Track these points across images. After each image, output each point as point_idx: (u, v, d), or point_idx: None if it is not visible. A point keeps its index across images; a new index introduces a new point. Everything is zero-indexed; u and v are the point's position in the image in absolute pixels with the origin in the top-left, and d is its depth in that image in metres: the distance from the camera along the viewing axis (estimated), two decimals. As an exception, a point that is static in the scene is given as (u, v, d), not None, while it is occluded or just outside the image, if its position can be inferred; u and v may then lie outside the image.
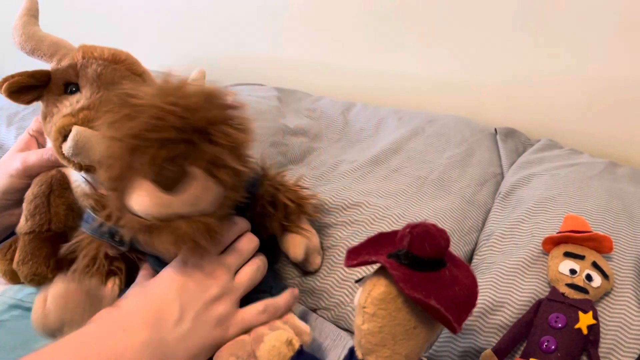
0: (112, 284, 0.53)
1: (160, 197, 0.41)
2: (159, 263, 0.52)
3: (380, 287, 0.35)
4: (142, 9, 1.57)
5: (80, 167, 0.53)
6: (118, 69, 0.56)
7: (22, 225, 0.59)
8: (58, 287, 0.46)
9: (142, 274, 0.53)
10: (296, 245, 0.59)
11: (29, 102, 0.58)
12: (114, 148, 0.41)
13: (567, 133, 1.04)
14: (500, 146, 0.95)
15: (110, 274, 0.53)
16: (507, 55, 1.07)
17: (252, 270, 0.52)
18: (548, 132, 1.05)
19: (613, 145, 1.01)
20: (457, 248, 0.68)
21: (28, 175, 0.61)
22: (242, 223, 0.54)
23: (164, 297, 0.46)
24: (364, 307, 0.35)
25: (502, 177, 0.87)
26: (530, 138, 1.03)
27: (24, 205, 0.60)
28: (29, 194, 0.60)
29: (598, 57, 0.97)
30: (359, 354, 0.36)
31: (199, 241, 0.44)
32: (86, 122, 0.52)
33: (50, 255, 0.58)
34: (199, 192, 0.43)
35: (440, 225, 0.67)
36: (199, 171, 0.42)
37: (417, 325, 0.35)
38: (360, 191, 0.72)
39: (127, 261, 0.54)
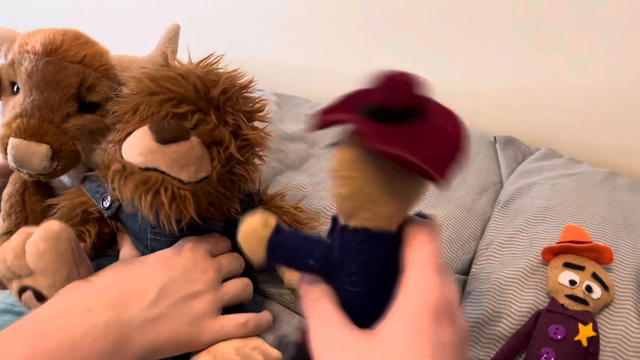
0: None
1: (149, 143, 0.42)
2: (138, 241, 0.51)
3: (350, 148, 0.32)
4: (141, 11, 1.57)
5: (30, 176, 0.52)
6: (51, 62, 0.50)
7: (0, 225, 0.58)
8: (51, 227, 0.42)
9: (124, 250, 0.52)
10: (293, 272, 0.55)
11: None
12: (133, 85, 0.46)
13: (565, 142, 1.04)
14: (499, 154, 0.94)
15: (78, 233, 0.51)
16: (505, 62, 1.06)
17: (241, 284, 0.50)
18: (547, 141, 1.05)
19: (612, 155, 1.01)
20: (456, 257, 0.67)
21: (1, 173, 0.59)
22: (225, 241, 0.52)
23: (144, 278, 0.44)
24: (337, 171, 0.33)
25: (502, 186, 0.86)
26: (529, 146, 1.03)
27: (1, 204, 0.58)
28: (4, 194, 0.58)
29: (597, 66, 0.97)
30: (341, 219, 0.34)
31: (160, 197, 0.43)
32: (21, 132, 0.49)
33: None
34: (186, 153, 0.43)
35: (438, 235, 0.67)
36: (196, 139, 0.44)
37: (394, 183, 0.32)
38: (358, 199, 0.71)
39: (100, 232, 0.53)
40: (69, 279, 0.43)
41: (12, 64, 0.52)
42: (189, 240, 0.49)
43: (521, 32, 1.02)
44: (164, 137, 0.42)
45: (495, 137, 1.01)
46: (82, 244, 0.50)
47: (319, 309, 0.34)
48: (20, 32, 0.55)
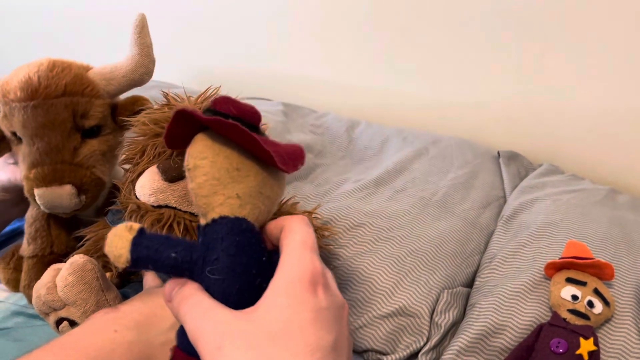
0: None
1: (158, 183, 0.45)
2: None
3: (196, 142, 0.35)
4: (150, 16, 1.58)
5: (68, 215, 0.54)
6: (37, 105, 0.49)
7: (25, 248, 0.59)
8: (76, 261, 0.46)
9: (147, 278, 0.53)
10: None
11: (10, 151, 0.57)
12: (140, 129, 0.48)
13: (568, 158, 1.06)
14: (502, 169, 0.96)
15: (104, 263, 0.54)
16: (511, 78, 1.08)
17: None
18: (549, 157, 1.07)
19: (613, 173, 1.02)
20: (460, 270, 0.69)
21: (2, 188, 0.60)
22: None
23: (163, 304, 0.46)
24: (188, 167, 0.35)
25: (505, 201, 0.87)
26: (532, 162, 1.04)
27: (25, 227, 0.60)
28: (28, 216, 0.59)
29: (600, 84, 0.98)
30: (202, 221, 0.36)
31: (174, 231, 0.46)
32: (40, 181, 0.50)
33: None
34: None
35: (443, 248, 0.68)
36: None
37: (239, 167, 0.35)
38: (365, 212, 0.72)
39: None
40: (98, 306, 0.46)
41: (5, 116, 0.52)
42: None
43: (526, 50, 1.03)
44: (171, 176, 0.46)
45: (498, 152, 1.03)
46: (107, 273, 0.53)
47: (193, 302, 0.34)
48: None
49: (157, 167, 0.47)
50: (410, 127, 1.13)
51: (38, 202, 0.50)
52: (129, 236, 0.35)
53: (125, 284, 0.58)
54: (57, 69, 0.51)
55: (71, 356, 0.41)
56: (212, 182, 0.34)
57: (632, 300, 0.59)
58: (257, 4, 1.37)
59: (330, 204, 0.75)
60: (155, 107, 0.52)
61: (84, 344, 0.42)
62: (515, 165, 0.99)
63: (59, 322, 0.47)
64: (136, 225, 0.36)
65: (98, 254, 0.53)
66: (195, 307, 0.34)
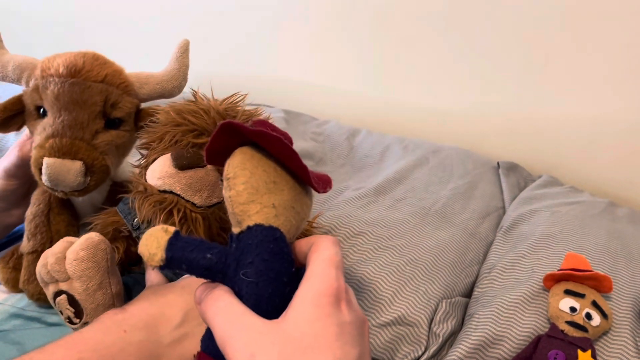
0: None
1: (168, 168, 0.47)
2: None
3: (236, 155, 0.37)
4: (151, 25, 1.59)
5: (64, 194, 0.53)
6: (76, 83, 0.52)
7: (25, 244, 0.59)
8: (92, 238, 0.46)
9: (149, 273, 0.54)
10: None
11: (18, 129, 0.58)
12: (161, 117, 0.51)
13: (567, 170, 1.06)
14: (502, 180, 0.96)
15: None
16: (512, 90, 1.09)
17: None
18: (549, 168, 1.07)
19: (612, 185, 1.03)
20: (459, 280, 0.69)
21: (23, 164, 0.60)
22: None
23: (171, 303, 0.48)
24: (227, 176, 0.36)
25: (504, 211, 0.88)
26: (531, 173, 1.05)
27: (25, 224, 0.60)
28: (28, 214, 0.59)
29: (601, 98, 0.99)
30: (235, 230, 0.37)
31: (173, 217, 0.47)
32: (54, 152, 0.50)
33: None
34: (200, 178, 0.47)
35: (442, 258, 0.68)
36: (211, 167, 0.48)
37: (276, 181, 0.37)
38: (364, 220, 0.73)
39: (128, 250, 0.56)
40: (100, 287, 0.47)
41: (36, 89, 0.53)
42: None
43: (529, 60, 1.04)
44: (181, 163, 0.47)
45: (498, 163, 1.03)
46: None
47: (224, 304, 0.35)
48: (36, 58, 0.57)
49: (171, 154, 0.48)
50: (410, 137, 1.13)
51: (44, 172, 0.50)
52: (165, 237, 0.36)
53: (125, 273, 0.58)
54: (100, 60, 0.56)
55: (82, 352, 0.42)
56: (250, 190, 0.36)
57: (630, 313, 0.59)
58: (260, 11, 1.38)
59: (330, 212, 0.75)
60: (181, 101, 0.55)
61: (94, 341, 0.43)
62: (515, 176, 0.99)
63: (57, 294, 0.47)
64: (171, 228, 0.37)
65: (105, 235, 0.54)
66: (225, 310, 0.35)
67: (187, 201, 0.48)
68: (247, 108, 0.55)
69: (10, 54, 0.57)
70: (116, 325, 0.45)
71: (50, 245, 0.57)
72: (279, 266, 0.36)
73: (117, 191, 0.59)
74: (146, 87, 0.58)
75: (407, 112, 1.26)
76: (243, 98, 0.55)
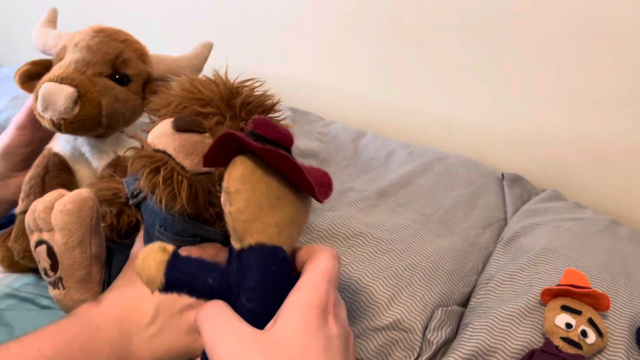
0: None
1: (166, 128, 0.47)
2: (148, 237, 0.53)
3: (237, 166, 0.36)
4: (160, 19, 1.59)
5: (52, 124, 0.54)
6: (97, 36, 0.57)
7: (19, 205, 0.61)
8: (82, 193, 0.47)
9: (136, 246, 0.54)
10: None
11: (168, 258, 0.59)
12: (174, 85, 0.52)
13: (571, 185, 1.06)
14: (506, 192, 0.96)
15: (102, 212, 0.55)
16: (519, 102, 1.08)
17: None
18: (553, 182, 1.07)
19: (615, 204, 1.02)
20: (456, 289, 0.69)
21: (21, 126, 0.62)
22: (225, 253, 0.54)
23: (141, 297, 0.48)
24: (228, 190, 0.35)
25: (506, 223, 0.87)
26: (535, 186, 1.04)
27: (22, 187, 0.61)
28: (26, 177, 0.61)
29: (611, 116, 0.99)
30: (236, 245, 0.36)
31: (160, 174, 0.46)
32: (55, 78, 0.53)
33: None
34: (194, 143, 0.47)
35: (441, 265, 0.68)
36: (207, 135, 0.48)
37: (280, 196, 0.36)
38: (365, 222, 0.73)
39: (120, 217, 0.56)
40: (80, 244, 0.47)
41: (64, 47, 0.58)
42: (189, 251, 0.51)
43: (540, 72, 1.04)
44: (179, 125, 0.47)
45: (503, 174, 1.03)
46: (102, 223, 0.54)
47: (221, 319, 0.35)
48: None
49: (173, 117, 0.49)
50: (415, 142, 1.13)
51: (40, 93, 0.52)
52: (164, 258, 0.35)
53: (113, 241, 0.58)
54: (124, 33, 0.61)
55: (58, 345, 0.42)
56: (253, 208, 0.35)
57: (626, 332, 0.59)
58: (274, 9, 1.38)
59: (330, 212, 0.75)
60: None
61: (69, 335, 0.44)
62: (519, 188, 0.99)
63: (38, 243, 0.48)
64: (170, 247, 0.36)
65: (100, 200, 0.54)
66: (216, 316, 0.35)
67: (177, 163, 0.47)
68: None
69: (55, 30, 0.63)
70: (90, 321, 0.45)
71: None
72: (281, 290, 0.35)
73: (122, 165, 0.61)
74: (163, 63, 0.63)
75: (414, 118, 1.26)
76: (260, 84, 0.56)
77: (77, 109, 0.54)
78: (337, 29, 1.30)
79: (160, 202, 0.47)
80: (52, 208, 0.46)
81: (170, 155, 0.47)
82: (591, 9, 0.94)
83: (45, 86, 0.52)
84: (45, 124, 0.55)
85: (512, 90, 1.09)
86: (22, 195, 0.61)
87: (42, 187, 0.60)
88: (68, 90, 0.53)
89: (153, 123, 0.52)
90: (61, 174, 0.61)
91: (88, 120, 0.55)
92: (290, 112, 1.16)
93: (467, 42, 1.10)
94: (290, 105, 1.25)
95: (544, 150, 1.09)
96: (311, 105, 1.30)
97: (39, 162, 0.62)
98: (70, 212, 0.46)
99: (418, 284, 0.65)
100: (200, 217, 0.51)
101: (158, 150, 0.47)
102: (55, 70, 0.55)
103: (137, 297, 0.48)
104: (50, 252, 0.47)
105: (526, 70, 1.05)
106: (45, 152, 0.63)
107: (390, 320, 0.61)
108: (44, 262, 0.48)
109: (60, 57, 0.58)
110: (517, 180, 1.01)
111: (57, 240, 0.46)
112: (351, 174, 0.95)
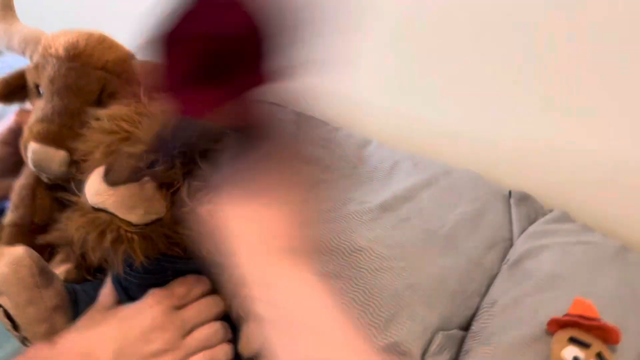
0: (64, 270, 0.53)
1: (99, 184, 0.43)
2: (116, 279, 0.51)
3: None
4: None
5: (49, 180, 0.53)
6: (73, 68, 0.50)
7: (7, 216, 0.58)
8: (15, 253, 0.45)
9: (104, 290, 0.51)
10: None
11: (21, 102, 0.57)
12: (94, 124, 0.46)
13: (580, 206, 1.03)
14: (512, 210, 0.93)
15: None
16: (530, 118, 1.05)
17: (209, 333, 0.48)
18: (561, 202, 1.04)
19: (625, 228, 0.99)
20: (458, 311, 0.66)
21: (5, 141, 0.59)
22: (203, 283, 0.51)
23: (102, 340, 0.45)
24: None
25: (511, 243, 0.84)
26: (542, 206, 1.01)
27: (11, 196, 0.58)
28: (16, 186, 0.58)
29: (625, 138, 0.96)
30: None
31: (107, 238, 0.43)
32: (41, 137, 0.49)
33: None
34: (133, 195, 0.43)
35: (443, 286, 0.65)
36: (148, 180, 0.43)
37: None
38: (366, 237, 0.70)
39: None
40: (30, 303, 0.45)
41: (36, 67, 0.52)
42: (155, 295, 0.49)
43: (553, 91, 1.01)
44: (111, 179, 0.43)
45: (510, 192, 1.00)
46: (64, 266, 0.52)
47: None
48: (45, 31, 0.55)
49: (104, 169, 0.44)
50: (420, 153, 1.10)
51: (29, 156, 0.50)
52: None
53: (85, 280, 0.55)
54: (105, 43, 0.53)
55: None
56: None
57: (636, 369, 0.56)
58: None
59: (329, 224, 0.72)
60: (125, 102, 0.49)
61: None
62: (526, 207, 0.96)
63: None
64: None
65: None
66: None
67: (122, 220, 0.43)
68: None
69: (20, 24, 0.55)
70: None
71: (31, 220, 0.57)
72: None
73: None
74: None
75: (420, 128, 1.23)
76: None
77: (74, 169, 0.51)
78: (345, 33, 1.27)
79: (119, 263, 0.44)
80: None
81: (112, 213, 0.43)
82: (612, 26, 0.91)
83: (34, 150, 0.49)
84: (43, 178, 0.54)
85: (522, 106, 1.06)
86: (11, 205, 0.58)
87: (32, 200, 0.57)
88: (59, 156, 0.50)
89: (84, 173, 0.48)
90: (53, 186, 0.57)
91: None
92: (294, 116, 1.13)
93: (480, 53, 1.07)
94: (294, 108, 1.23)
95: (553, 169, 1.06)
96: (316, 110, 1.27)
97: (30, 172, 0.58)
98: (7, 275, 0.44)
99: (419, 305, 0.63)
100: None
101: (98, 209, 0.43)
102: (38, 124, 0.50)
103: (96, 341, 0.45)
104: (7, 315, 0.45)
105: (539, 88, 1.02)
106: None
107: (388, 342, 0.58)
108: (4, 323, 0.46)
109: (33, 79, 0.53)
110: (524, 198, 0.98)
111: (7, 303, 0.44)
112: (354, 183, 0.92)
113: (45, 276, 0.46)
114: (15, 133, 0.57)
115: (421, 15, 1.13)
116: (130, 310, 0.48)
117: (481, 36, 1.06)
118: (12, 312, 0.44)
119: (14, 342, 0.49)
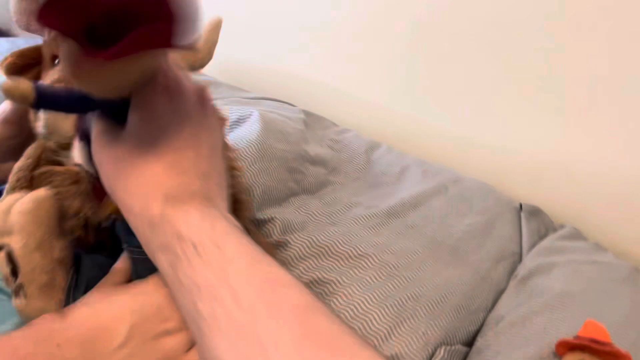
0: None
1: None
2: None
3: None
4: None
5: (56, 150, 0.52)
6: None
7: (2, 197, 0.56)
8: (40, 192, 0.46)
9: (113, 272, 0.49)
10: None
11: (33, 78, 0.55)
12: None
13: (591, 223, 1.00)
14: (523, 224, 0.90)
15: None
16: (544, 129, 1.03)
17: None
18: (573, 217, 1.01)
19: (637, 248, 0.96)
20: (462, 326, 0.63)
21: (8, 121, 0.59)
22: None
23: (116, 316, 0.43)
24: None
25: (520, 258, 0.82)
26: (553, 221, 0.98)
27: (9, 177, 0.56)
28: (15, 167, 0.56)
29: (635, 156, 0.93)
30: None
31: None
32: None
33: None
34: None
35: (447, 298, 0.63)
36: None
37: None
38: (371, 243, 0.67)
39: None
40: (40, 247, 0.44)
41: (55, 38, 0.52)
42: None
43: (570, 103, 0.98)
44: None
45: (521, 205, 0.97)
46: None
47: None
48: None
49: None
50: (430, 159, 1.08)
51: (42, 116, 0.50)
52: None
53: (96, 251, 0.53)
54: None
55: None
56: None
57: (648, 399, 0.53)
58: (297, 7, 1.34)
59: (335, 227, 0.70)
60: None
61: (23, 353, 0.39)
62: (537, 221, 0.93)
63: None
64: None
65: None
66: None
67: None
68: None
69: None
70: (50, 337, 0.40)
71: None
72: None
73: None
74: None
75: (430, 134, 1.20)
76: None
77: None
78: (360, 32, 1.25)
79: None
80: (9, 211, 0.44)
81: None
82: (631, 45, 0.88)
83: (47, 116, 0.49)
84: (49, 144, 0.52)
85: (537, 116, 1.03)
86: (7, 187, 0.55)
87: (29, 182, 0.54)
88: (73, 117, 0.49)
89: None
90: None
91: None
92: (303, 115, 1.11)
93: (494, 61, 1.05)
94: (305, 107, 1.21)
95: (566, 183, 1.03)
96: (326, 110, 1.25)
97: (30, 152, 0.56)
98: (27, 211, 0.44)
99: (421, 317, 0.60)
100: None
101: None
102: (56, 84, 0.50)
103: (110, 316, 0.43)
104: (10, 257, 0.44)
105: (555, 100, 1.00)
106: (39, 142, 0.58)
107: (388, 354, 0.55)
108: (4, 268, 0.45)
109: (51, 50, 0.53)
110: (535, 213, 0.95)
111: (16, 242, 0.43)
112: (361, 187, 0.90)
113: (60, 225, 0.46)
114: (19, 113, 0.56)
115: (437, 21, 1.11)
116: (144, 286, 0.46)
117: (498, 47, 1.04)
118: (18, 254, 0.43)
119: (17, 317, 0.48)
